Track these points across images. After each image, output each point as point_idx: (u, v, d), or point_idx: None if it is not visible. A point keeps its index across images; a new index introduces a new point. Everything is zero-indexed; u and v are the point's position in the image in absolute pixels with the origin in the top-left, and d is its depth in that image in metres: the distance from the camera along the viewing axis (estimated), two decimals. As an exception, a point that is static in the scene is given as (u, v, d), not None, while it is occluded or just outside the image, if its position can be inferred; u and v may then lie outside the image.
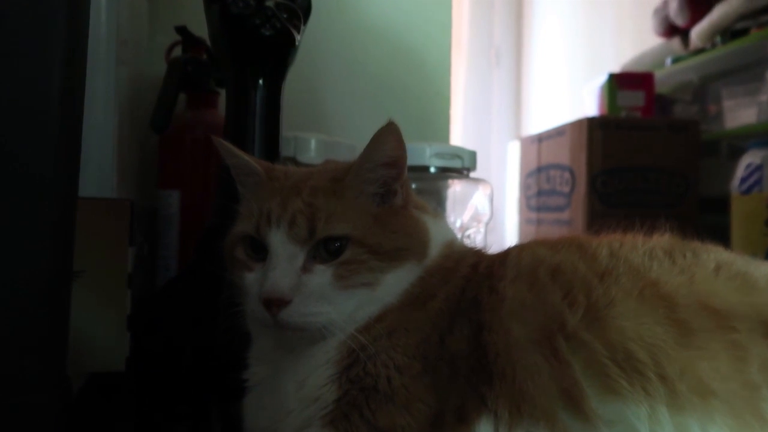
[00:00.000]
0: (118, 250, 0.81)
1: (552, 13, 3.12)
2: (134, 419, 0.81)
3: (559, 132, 1.94)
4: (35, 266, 0.53)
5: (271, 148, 0.89)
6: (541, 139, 2.08)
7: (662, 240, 0.63)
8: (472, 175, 1.21)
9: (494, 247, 0.69)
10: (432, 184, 1.16)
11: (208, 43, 0.93)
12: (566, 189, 1.85)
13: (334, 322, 0.57)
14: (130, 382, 0.82)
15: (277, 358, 0.62)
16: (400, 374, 0.56)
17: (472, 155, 1.18)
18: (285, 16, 0.87)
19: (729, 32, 1.78)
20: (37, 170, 0.53)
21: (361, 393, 0.56)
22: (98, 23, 0.93)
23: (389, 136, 0.59)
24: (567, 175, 1.85)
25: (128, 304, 0.81)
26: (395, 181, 0.61)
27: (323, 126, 1.48)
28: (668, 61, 2.03)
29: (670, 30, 2.05)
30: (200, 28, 1.04)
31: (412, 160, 0.64)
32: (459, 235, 1.06)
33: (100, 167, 0.96)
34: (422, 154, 1.11)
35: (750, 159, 1.47)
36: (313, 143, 1.13)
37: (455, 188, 1.17)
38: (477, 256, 0.66)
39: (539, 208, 2.06)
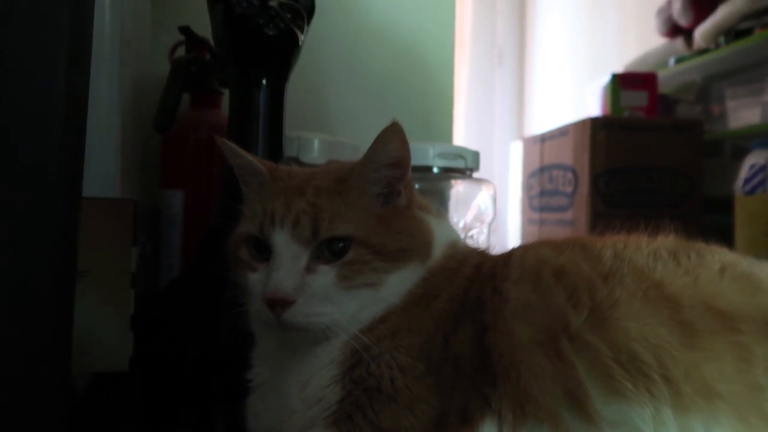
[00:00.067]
0: (122, 250, 0.81)
1: (555, 13, 3.12)
2: (138, 419, 0.81)
3: (561, 132, 1.93)
4: (39, 266, 0.53)
5: (274, 148, 0.89)
6: (543, 139, 2.08)
7: (667, 241, 0.63)
8: (475, 175, 1.21)
9: (497, 248, 0.69)
10: (435, 185, 1.15)
11: (212, 43, 0.94)
12: (569, 189, 1.85)
13: (337, 323, 0.57)
14: (134, 382, 0.82)
15: (280, 359, 0.62)
16: (404, 375, 0.56)
17: (475, 155, 1.18)
18: (288, 16, 0.88)
19: (733, 32, 1.77)
20: (41, 170, 0.53)
21: (364, 394, 0.56)
22: (102, 23, 0.93)
23: (393, 137, 0.59)
24: (570, 175, 1.85)
25: (132, 304, 0.81)
26: (399, 181, 0.61)
27: (326, 126, 1.48)
28: (672, 61, 2.03)
29: (673, 30, 2.04)
30: (203, 28, 1.04)
31: (415, 160, 0.63)
32: (462, 236, 1.06)
33: (104, 167, 0.96)
34: (425, 154, 1.11)
35: (754, 159, 1.47)
36: (316, 143, 1.13)
37: (458, 188, 1.17)
38: (480, 256, 0.65)
39: (542, 209, 2.06)
